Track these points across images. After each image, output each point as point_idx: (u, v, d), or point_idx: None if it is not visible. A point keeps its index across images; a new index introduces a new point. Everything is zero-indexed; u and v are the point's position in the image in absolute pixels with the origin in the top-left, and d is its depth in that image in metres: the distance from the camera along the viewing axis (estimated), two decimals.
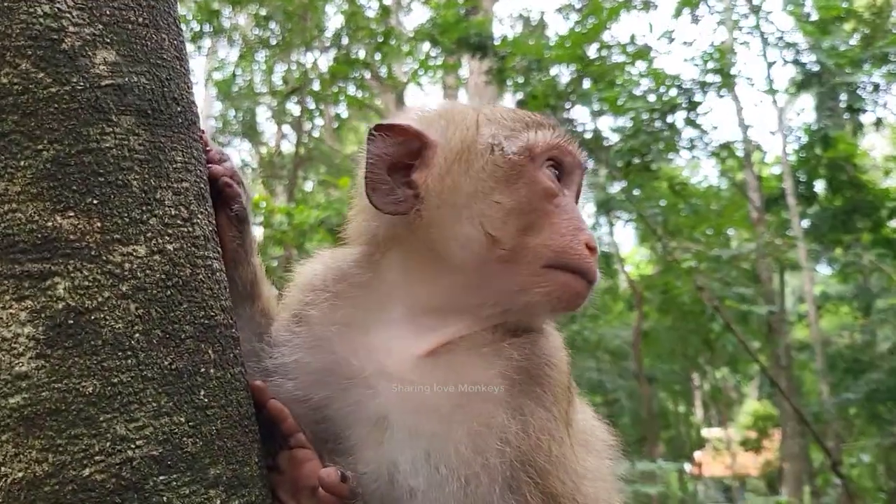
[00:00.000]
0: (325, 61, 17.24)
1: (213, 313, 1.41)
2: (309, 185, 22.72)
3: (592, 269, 1.58)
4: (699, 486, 22.61)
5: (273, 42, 16.85)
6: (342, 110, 20.31)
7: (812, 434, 13.41)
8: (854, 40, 17.32)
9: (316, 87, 17.11)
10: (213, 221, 1.51)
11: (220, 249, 1.51)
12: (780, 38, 16.61)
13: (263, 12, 15.91)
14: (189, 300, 1.36)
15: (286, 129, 21.15)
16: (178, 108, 1.45)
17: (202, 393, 1.34)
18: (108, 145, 1.32)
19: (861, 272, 18.07)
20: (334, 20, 18.13)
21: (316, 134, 20.86)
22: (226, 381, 1.39)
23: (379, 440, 1.52)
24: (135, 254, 1.31)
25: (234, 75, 18.36)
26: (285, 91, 16.79)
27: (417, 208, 1.59)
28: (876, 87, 16.59)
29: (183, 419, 1.30)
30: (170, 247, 1.36)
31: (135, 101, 1.37)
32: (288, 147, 20.51)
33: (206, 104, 19.90)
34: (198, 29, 15.32)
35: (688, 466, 22.51)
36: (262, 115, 21.80)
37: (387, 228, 1.64)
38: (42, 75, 1.28)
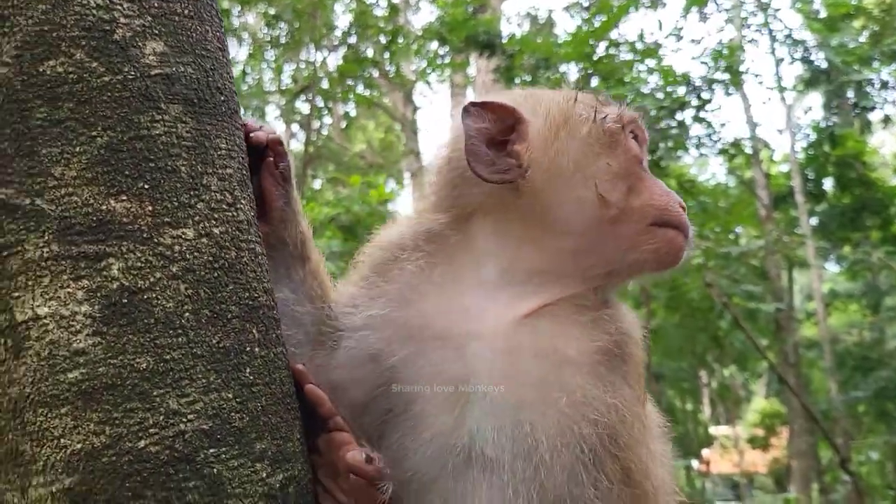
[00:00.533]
0: (334, 60, 17.32)
1: (256, 294, 1.46)
2: (318, 183, 22.80)
3: (688, 224, 1.72)
4: (707, 484, 22.61)
5: (282, 41, 16.92)
6: (351, 109, 20.39)
7: (821, 431, 13.46)
8: (863, 38, 17.27)
9: (325, 85, 17.18)
10: (254, 207, 1.56)
11: (260, 234, 1.56)
12: (789, 36, 16.59)
13: (272, 11, 15.99)
14: (234, 282, 1.41)
15: (295, 127, 21.23)
16: (222, 98, 1.50)
17: (248, 370, 1.39)
18: (157, 132, 1.37)
19: (870, 270, 18.04)
20: (343, 19, 18.20)
21: (325, 132, 20.94)
22: (269, 360, 1.44)
23: (457, 405, 1.53)
24: (184, 236, 1.36)
25: (243, 73, 18.42)
26: (294, 90, 16.86)
27: (524, 176, 1.66)
28: (884, 85, 16.56)
29: (231, 395, 1.35)
30: (216, 230, 1.41)
31: (182, 90, 1.42)
32: (297, 145, 20.58)
33: None
34: None
35: (696, 464, 22.51)
36: (272, 114, 21.87)
37: (486, 196, 1.70)
38: (95, 65, 1.34)
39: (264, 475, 1.36)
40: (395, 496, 1.47)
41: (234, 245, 1.44)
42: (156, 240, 1.33)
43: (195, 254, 1.36)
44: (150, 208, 1.33)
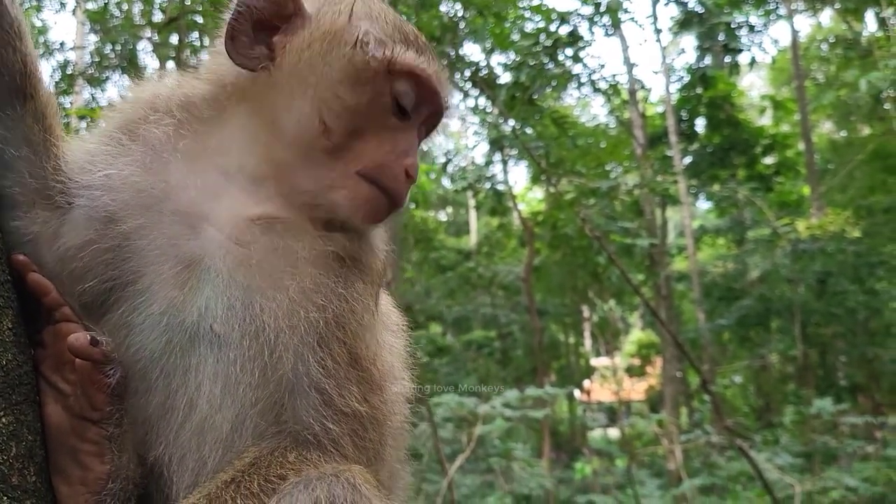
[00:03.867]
0: None
1: None
2: None
3: (401, 193, 1.62)
4: (588, 412, 23.86)
5: None
6: None
7: (687, 358, 14.31)
8: None
9: (199, 20, 16.28)
10: None
11: None
12: None
13: None
14: None
15: (170, 65, 20.15)
16: None
17: None
18: None
19: (735, 206, 19.13)
20: None
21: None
22: None
23: (188, 282, 1.51)
24: None
25: (106, 6, 17.24)
26: (163, 22, 15.93)
27: (265, 67, 1.59)
28: (751, 28, 17.31)
29: None
30: None
31: None
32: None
33: (79, 36, 18.67)
34: None
35: (578, 393, 23.65)
36: (143, 49, 20.65)
37: (236, 78, 1.63)
38: None
39: None
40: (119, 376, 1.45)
41: None
42: None
43: None
44: None
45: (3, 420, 1.34)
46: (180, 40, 16.35)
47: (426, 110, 1.69)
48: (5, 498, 1.30)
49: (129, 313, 1.52)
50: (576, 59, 13.72)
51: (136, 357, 1.51)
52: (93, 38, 19.70)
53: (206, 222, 1.55)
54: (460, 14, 13.57)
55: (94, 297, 1.54)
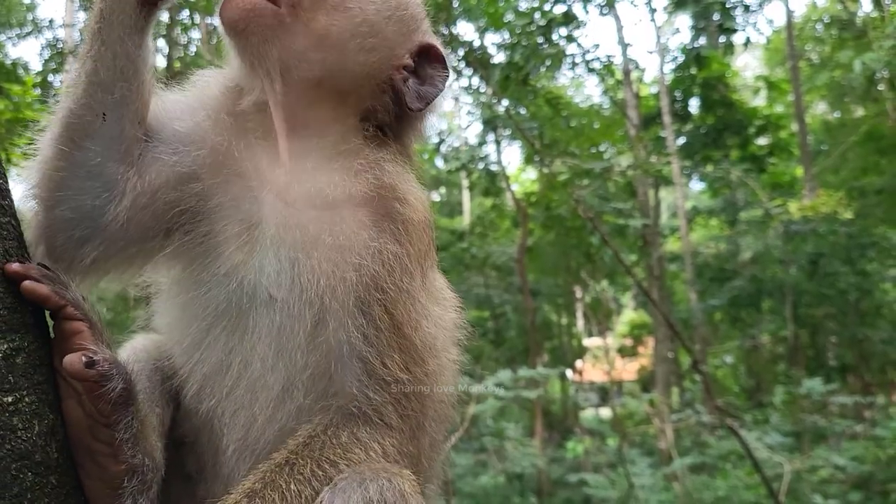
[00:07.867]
0: None
1: None
2: None
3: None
4: (580, 392, 24.01)
5: None
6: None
7: (679, 338, 14.43)
8: None
9: None
10: None
11: None
12: None
13: None
14: None
15: (161, 42, 19.94)
16: None
17: None
18: None
19: (729, 187, 19.15)
20: None
21: (193, 47, 19.80)
22: None
23: (248, 241, 1.58)
24: None
25: None
26: None
27: None
28: (746, 8, 17.24)
29: None
30: None
31: None
32: (162, 61, 19.43)
33: (69, 13, 18.46)
34: None
35: (570, 373, 23.77)
36: None
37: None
38: None
39: None
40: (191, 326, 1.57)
41: None
42: None
43: None
44: None
45: (27, 399, 1.36)
46: (171, 18, 16.19)
47: None
48: (30, 474, 1.33)
49: (198, 272, 1.60)
50: (570, 38, 13.68)
51: (202, 314, 1.58)
52: (82, 15, 19.49)
53: (263, 186, 1.61)
54: None
55: (164, 249, 1.64)
